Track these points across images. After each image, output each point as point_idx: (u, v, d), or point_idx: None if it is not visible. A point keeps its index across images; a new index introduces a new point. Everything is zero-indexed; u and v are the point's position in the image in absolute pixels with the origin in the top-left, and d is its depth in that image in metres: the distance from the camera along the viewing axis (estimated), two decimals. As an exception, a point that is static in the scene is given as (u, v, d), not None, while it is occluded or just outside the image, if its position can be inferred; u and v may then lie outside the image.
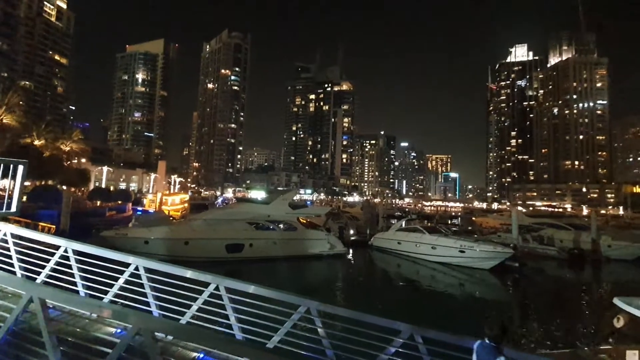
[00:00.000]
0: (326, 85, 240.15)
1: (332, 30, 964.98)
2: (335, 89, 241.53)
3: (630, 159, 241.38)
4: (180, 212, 42.63)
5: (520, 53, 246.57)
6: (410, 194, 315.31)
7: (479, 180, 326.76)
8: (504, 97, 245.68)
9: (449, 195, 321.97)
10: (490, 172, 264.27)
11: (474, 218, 59.01)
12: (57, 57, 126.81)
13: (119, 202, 43.61)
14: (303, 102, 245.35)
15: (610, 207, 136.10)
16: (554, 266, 25.24)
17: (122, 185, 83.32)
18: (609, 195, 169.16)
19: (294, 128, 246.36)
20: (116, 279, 5.02)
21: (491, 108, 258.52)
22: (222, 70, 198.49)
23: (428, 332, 4.05)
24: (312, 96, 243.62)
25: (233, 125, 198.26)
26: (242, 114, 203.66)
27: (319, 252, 23.48)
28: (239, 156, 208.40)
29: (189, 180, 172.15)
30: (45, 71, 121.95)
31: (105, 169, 62.16)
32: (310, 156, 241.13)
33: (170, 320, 4.61)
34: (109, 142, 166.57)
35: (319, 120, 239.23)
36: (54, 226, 22.23)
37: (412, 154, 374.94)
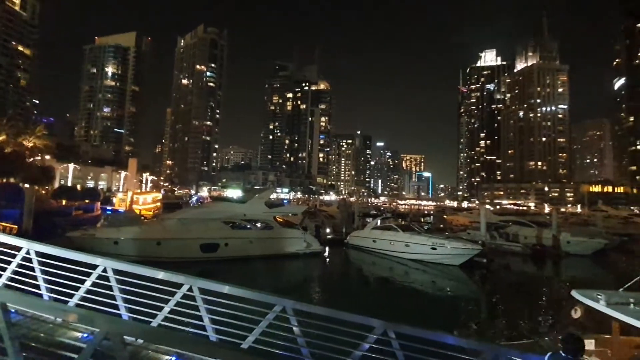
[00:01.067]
0: (304, 84, 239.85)
1: (310, 29, 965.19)
2: (313, 88, 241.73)
3: (588, 161, 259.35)
4: (152, 212, 41.39)
5: (489, 58, 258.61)
6: (386, 192, 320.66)
7: (450, 180, 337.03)
8: (474, 100, 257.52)
9: (422, 194, 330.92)
10: (461, 172, 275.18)
11: (445, 216, 60.79)
12: (20, 48, 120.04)
13: (87, 201, 41.73)
14: (280, 101, 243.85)
15: (569, 205, 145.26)
16: (519, 261, 26.47)
17: (90, 184, 79.78)
18: (569, 194, 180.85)
19: (271, 126, 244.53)
20: (83, 282, 4.82)
21: (462, 110, 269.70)
22: (198, 66, 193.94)
23: (401, 328, 4.15)
24: (290, 95, 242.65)
25: (209, 123, 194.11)
26: (218, 111, 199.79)
27: (296, 250, 23.46)
28: (214, 154, 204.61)
29: (161, 178, 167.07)
30: (8, 62, 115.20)
31: (71, 166, 59.30)
32: (288, 155, 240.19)
33: (141, 323, 4.49)
34: (76, 138, 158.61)
35: (296, 119, 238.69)
36: (15, 226, 21.04)
37: (388, 153, 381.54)
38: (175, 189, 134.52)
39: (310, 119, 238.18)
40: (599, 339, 5.89)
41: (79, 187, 53.83)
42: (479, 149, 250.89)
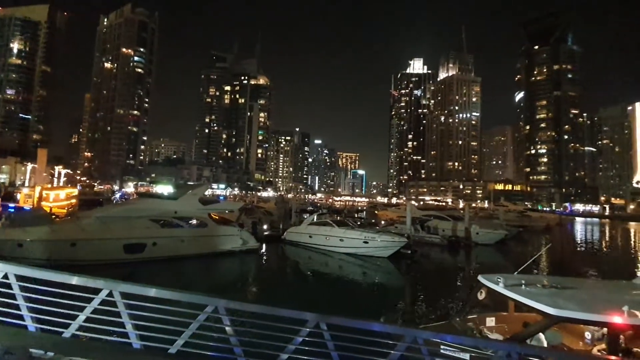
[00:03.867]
0: (243, 78, 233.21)
1: (250, 23, 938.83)
2: (252, 82, 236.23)
3: (494, 162, 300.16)
4: (66, 209, 36.99)
5: (417, 66, 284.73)
6: (322, 189, 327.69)
7: (382, 178, 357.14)
8: (404, 104, 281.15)
9: (357, 190, 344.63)
10: (391, 170, 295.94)
11: (376, 212, 64.39)
12: None
13: (-19, 196, 35.88)
14: (218, 93, 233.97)
15: (479, 201, 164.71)
16: (437, 251, 29.29)
17: (-14, 177, 68.53)
18: (478, 191, 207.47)
19: (208, 119, 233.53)
20: (-24, 291, 4.18)
21: (393, 113, 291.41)
22: (124, 49, 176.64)
23: (332, 319, 4.31)
24: (228, 87, 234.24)
25: (136, 112, 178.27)
26: (147, 100, 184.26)
27: (231, 248, 22.83)
28: (142, 147, 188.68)
29: (78, 172, 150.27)
30: None
31: (-40, 155, 50.31)
32: (225, 150, 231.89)
33: (51, 334, 4.03)
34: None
35: (235, 113, 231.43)
36: None
37: (325, 151, 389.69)
38: (95, 184, 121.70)
39: (249, 113, 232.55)
40: (498, 316, 6.79)
41: (-30, 180, 45.93)
42: (407, 149, 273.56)
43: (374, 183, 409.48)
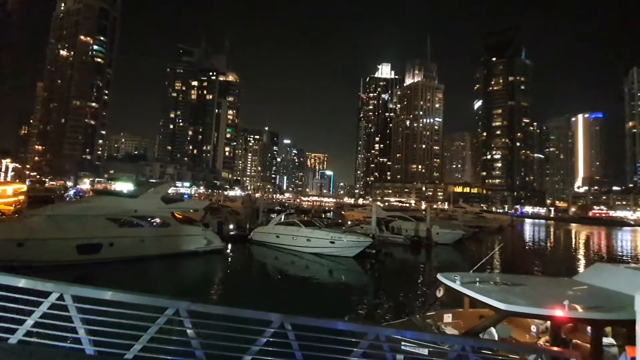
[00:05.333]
0: (211, 74, 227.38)
1: (219, 18, 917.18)
2: (221, 78, 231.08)
3: (454, 166, 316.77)
4: (13, 207, 34.23)
5: (385, 71, 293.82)
6: (290, 189, 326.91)
7: (349, 179, 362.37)
8: (372, 107, 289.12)
9: (324, 191, 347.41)
10: (359, 172, 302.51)
11: (343, 212, 65.29)
12: None
13: None
14: (184, 88, 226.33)
15: (439, 202, 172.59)
16: (401, 251, 30.17)
17: None
18: (440, 193, 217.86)
19: (173, 115, 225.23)
20: None
21: (361, 115, 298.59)
22: (82, 37, 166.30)
23: (296, 319, 4.33)
24: (195, 83, 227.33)
25: (94, 104, 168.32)
26: (106, 91, 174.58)
27: (195, 248, 22.16)
28: (100, 141, 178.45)
29: (28, 167, 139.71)
30: None
31: None
32: (190, 147, 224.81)
33: (-6, 341, 3.75)
34: None
35: (202, 110, 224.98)
36: None
37: (294, 151, 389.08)
38: (47, 180, 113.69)
39: (217, 110, 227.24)
40: (455, 313, 7.15)
41: None
42: (374, 151, 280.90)
43: (342, 184, 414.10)
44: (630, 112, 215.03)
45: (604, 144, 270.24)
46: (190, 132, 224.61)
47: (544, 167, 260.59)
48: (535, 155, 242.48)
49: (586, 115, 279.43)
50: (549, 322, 5.55)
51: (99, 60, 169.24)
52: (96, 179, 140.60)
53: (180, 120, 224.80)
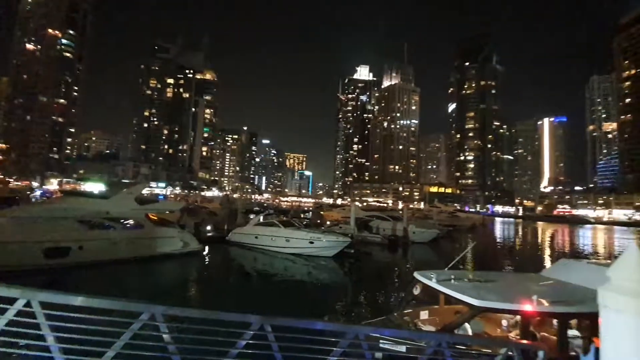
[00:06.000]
0: (187, 71, 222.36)
1: (197, 16, 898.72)
2: (198, 76, 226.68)
3: (430, 167, 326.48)
4: (-28, 208, 32.21)
5: (364, 72, 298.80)
6: (269, 189, 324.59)
7: (328, 179, 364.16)
8: (350, 108, 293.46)
9: (303, 191, 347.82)
10: (337, 172, 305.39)
11: (322, 212, 65.54)
12: None
13: None
14: (159, 86, 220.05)
15: (416, 202, 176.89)
16: (379, 250, 30.60)
17: None
18: (416, 193, 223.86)
19: (147, 113, 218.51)
20: None
21: (340, 116, 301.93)
22: (50, 30, 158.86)
23: (276, 320, 4.31)
24: (171, 80, 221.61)
25: (62, 101, 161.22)
26: (76, 88, 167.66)
27: (170, 251, 21.58)
28: (69, 139, 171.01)
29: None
30: None
31: None
32: (166, 146, 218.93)
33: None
34: None
35: (178, 108, 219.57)
36: None
37: (273, 151, 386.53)
38: (11, 180, 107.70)
39: (193, 109, 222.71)
40: (431, 309, 7.33)
41: None
42: (352, 152, 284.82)
43: (320, 184, 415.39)
44: (591, 116, 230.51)
45: (567, 146, 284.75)
46: (165, 131, 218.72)
47: (513, 168, 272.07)
48: (505, 156, 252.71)
49: (551, 119, 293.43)
50: (518, 317, 5.79)
51: (68, 55, 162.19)
52: (64, 179, 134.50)
53: (154, 119, 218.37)
